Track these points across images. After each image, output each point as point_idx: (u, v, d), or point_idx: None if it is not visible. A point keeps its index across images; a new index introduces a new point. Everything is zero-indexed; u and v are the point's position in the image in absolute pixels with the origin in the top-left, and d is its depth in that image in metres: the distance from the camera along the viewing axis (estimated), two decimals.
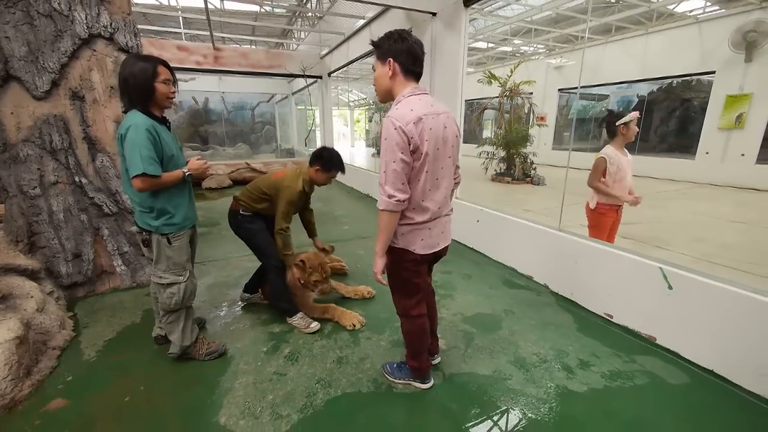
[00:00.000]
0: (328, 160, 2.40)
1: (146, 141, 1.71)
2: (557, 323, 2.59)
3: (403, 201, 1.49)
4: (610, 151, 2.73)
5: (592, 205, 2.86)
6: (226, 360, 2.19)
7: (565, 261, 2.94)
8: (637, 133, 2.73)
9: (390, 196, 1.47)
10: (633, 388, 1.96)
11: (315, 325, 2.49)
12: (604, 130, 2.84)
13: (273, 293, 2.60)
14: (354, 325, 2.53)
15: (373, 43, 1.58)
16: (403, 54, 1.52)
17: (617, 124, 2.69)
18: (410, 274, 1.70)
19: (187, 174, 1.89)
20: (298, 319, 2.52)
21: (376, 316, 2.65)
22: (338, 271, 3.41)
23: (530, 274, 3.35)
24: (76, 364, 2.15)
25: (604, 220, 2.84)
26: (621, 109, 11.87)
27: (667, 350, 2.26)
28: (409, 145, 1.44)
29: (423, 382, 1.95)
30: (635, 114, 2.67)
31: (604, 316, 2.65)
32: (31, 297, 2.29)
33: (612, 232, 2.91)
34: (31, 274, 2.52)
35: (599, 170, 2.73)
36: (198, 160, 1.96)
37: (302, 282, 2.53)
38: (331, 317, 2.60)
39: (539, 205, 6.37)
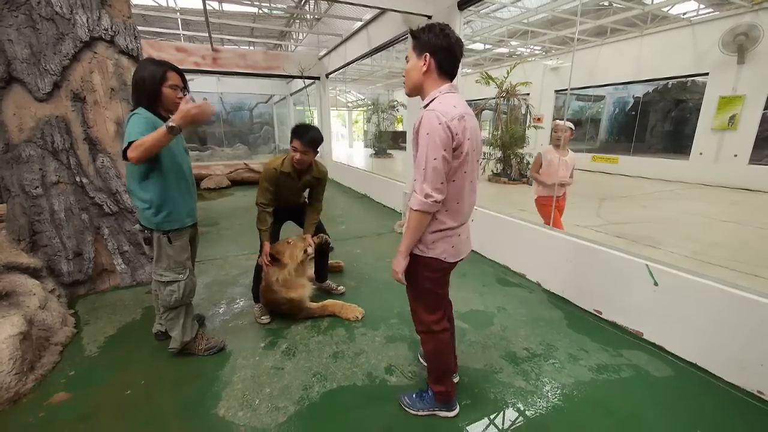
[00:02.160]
0: (294, 131, 2.41)
1: (137, 125, 1.73)
2: (548, 319, 2.66)
3: (439, 202, 1.39)
4: (547, 149, 3.33)
5: (534, 198, 3.46)
6: (224, 355, 2.25)
7: (556, 259, 3.00)
8: (570, 139, 3.26)
9: (427, 196, 1.36)
10: (619, 380, 2.03)
11: (265, 319, 2.62)
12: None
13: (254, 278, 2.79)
14: (357, 317, 2.63)
15: (411, 32, 1.46)
16: (443, 52, 1.40)
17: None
18: (434, 286, 1.58)
19: (170, 125, 1.64)
20: (255, 309, 2.72)
21: (372, 313, 2.71)
22: (335, 269, 3.47)
23: (523, 272, 3.42)
24: (78, 360, 2.21)
25: (546, 209, 3.36)
26: (616, 112, 12.02)
27: (653, 344, 2.33)
28: (453, 142, 1.35)
29: (449, 410, 1.76)
30: (554, 122, 3.33)
31: (594, 312, 2.72)
32: (34, 294, 2.34)
33: (556, 218, 3.36)
34: (33, 272, 2.57)
35: (536, 163, 3.34)
36: (187, 103, 1.68)
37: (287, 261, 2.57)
38: (332, 313, 2.68)
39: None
